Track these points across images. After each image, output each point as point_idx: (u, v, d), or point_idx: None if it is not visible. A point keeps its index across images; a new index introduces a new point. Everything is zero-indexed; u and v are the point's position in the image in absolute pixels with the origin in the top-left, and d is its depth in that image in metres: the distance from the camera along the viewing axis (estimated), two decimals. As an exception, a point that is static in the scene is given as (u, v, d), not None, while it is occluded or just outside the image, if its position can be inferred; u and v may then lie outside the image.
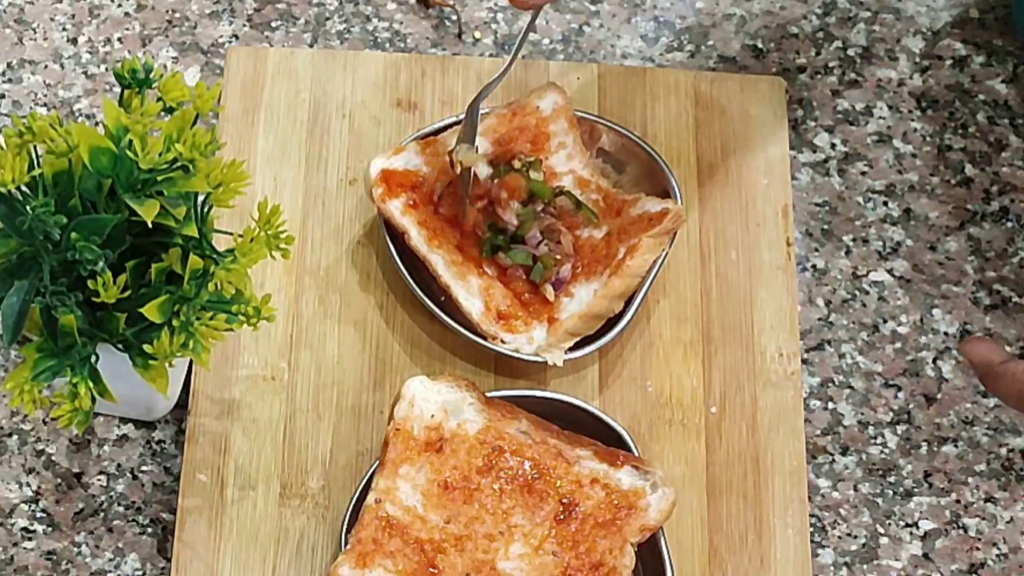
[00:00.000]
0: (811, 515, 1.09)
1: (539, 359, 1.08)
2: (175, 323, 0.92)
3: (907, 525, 1.10)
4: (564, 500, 1.02)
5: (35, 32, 1.22)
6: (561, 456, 1.03)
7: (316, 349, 1.11)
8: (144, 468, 1.09)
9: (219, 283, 0.93)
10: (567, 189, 1.12)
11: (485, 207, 1.10)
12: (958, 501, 1.11)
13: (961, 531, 1.10)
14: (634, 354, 1.12)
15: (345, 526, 1.02)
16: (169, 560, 1.05)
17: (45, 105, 1.20)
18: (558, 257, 1.10)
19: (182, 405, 1.09)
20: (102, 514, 1.07)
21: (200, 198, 0.94)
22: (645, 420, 1.10)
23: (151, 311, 0.92)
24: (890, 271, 1.17)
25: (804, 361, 1.14)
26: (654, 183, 1.14)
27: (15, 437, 1.09)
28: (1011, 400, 0.98)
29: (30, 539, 1.06)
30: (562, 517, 1.01)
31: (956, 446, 1.12)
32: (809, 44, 1.25)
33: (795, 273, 1.15)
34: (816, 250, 1.18)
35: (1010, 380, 0.97)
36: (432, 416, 1.03)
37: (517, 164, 1.11)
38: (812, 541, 1.08)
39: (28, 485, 1.08)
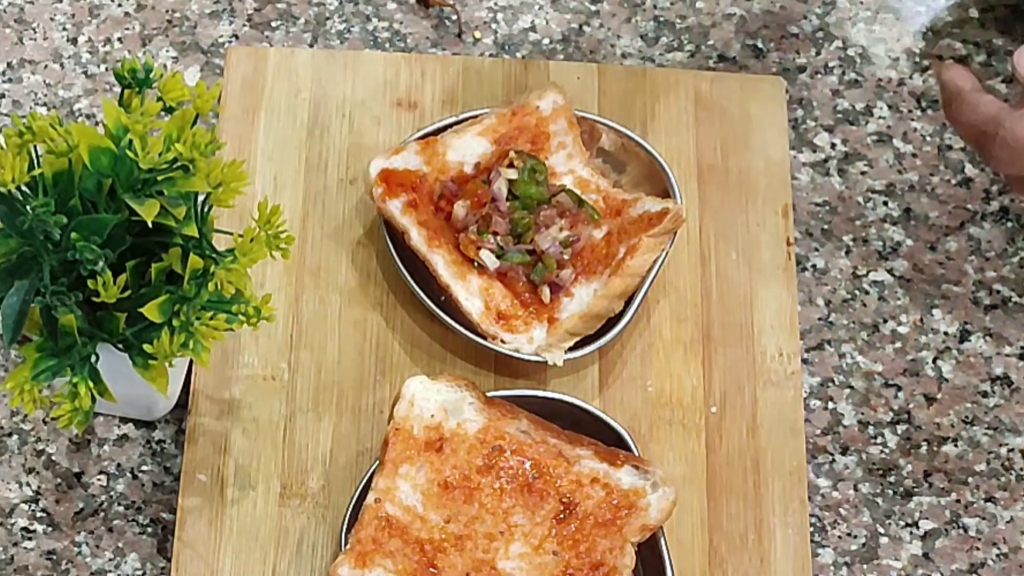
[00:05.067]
0: (811, 515, 1.09)
1: (539, 359, 1.08)
2: (175, 323, 0.92)
3: (907, 525, 1.10)
4: (564, 499, 1.02)
5: (35, 32, 1.22)
6: (561, 456, 1.03)
7: (316, 349, 1.11)
8: (144, 468, 1.09)
9: (219, 283, 0.93)
10: (568, 187, 1.12)
11: (485, 215, 1.10)
12: (958, 501, 1.11)
13: (961, 531, 1.10)
14: (634, 354, 1.12)
15: (345, 526, 1.02)
16: (169, 560, 1.05)
17: (45, 105, 1.20)
18: (566, 258, 1.10)
19: (182, 405, 1.09)
20: (102, 514, 1.07)
21: (200, 198, 0.94)
22: (645, 420, 1.10)
23: (151, 311, 0.92)
24: (890, 271, 1.17)
25: (804, 361, 1.14)
26: (654, 183, 1.14)
27: (15, 437, 1.09)
28: (963, 130, 0.94)
29: (30, 539, 1.06)
30: (562, 516, 1.01)
31: (956, 446, 1.12)
32: (809, 44, 1.25)
33: (795, 273, 1.15)
34: (816, 250, 1.18)
35: (970, 110, 0.94)
36: (432, 416, 1.03)
37: (518, 164, 1.11)
38: (812, 541, 1.08)
39: (28, 485, 1.08)
